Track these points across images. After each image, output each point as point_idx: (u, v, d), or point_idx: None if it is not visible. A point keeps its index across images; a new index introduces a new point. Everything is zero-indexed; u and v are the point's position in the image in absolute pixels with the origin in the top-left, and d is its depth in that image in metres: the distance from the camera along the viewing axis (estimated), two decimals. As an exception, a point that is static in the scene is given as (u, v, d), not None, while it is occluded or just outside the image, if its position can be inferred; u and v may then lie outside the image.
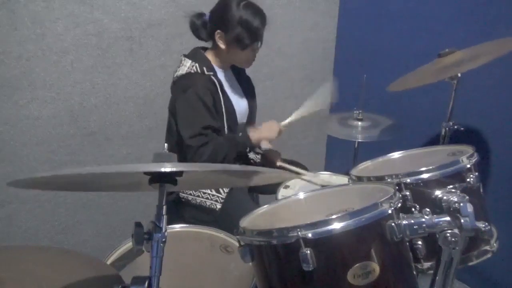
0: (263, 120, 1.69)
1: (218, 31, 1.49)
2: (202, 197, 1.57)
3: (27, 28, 1.62)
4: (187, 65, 1.50)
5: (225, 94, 1.55)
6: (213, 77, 1.50)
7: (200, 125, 1.46)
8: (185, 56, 1.55)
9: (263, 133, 1.63)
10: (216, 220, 1.53)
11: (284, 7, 2.27)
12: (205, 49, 1.61)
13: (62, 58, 1.73)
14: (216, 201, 1.56)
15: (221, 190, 1.58)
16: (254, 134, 1.60)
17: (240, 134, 1.58)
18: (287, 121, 1.70)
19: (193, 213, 1.60)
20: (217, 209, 1.55)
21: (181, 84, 1.50)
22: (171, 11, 1.91)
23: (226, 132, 1.56)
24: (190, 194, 1.58)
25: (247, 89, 1.72)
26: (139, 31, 1.86)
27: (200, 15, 1.56)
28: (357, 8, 2.40)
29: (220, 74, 1.58)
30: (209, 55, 1.57)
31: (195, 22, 1.55)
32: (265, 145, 1.65)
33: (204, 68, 1.49)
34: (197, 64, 1.49)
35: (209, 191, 1.57)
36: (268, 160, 1.81)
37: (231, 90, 1.63)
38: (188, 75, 1.48)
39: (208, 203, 1.56)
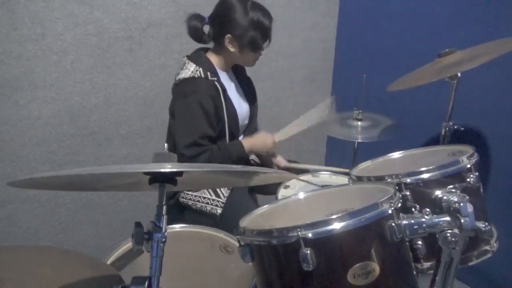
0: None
1: (229, 35, 1.46)
2: (202, 202, 1.56)
3: (27, 28, 1.62)
4: (191, 69, 1.47)
5: (228, 99, 1.53)
6: (216, 83, 1.48)
7: (197, 134, 1.45)
8: (188, 58, 1.52)
9: (256, 146, 1.62)
10: (217, 224, 1.53)
11: (284, 7, 2.27)
12: (205, 49, 1.59)
13: (62, 58, 1.72)
14: (217, 205, 1.54)
15: (221, 195, 1.56)
16: (247, 144, 1.58)
17: (234, 144, 1.56)
18: (282, 136, 1.66)
19: (194, 217, 1.59)
20: (217, 214, 1.54)
21: (183, 88, 1.48)
22: (171, 11, 1.91)
23: (227, 136, 1.55)
24: (190, 199, 1.57)
25: (248, 90, 1.70)
26: (139, 31, 1.86)
27: (200, 17, 1.50)
28: (357, 8, 2.40)
29: (223, 78, 1.56)
30: (212, 57, 1.55)
31: (196, 25, 1.49)
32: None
33: (208, 73, 1.46)
34: (201, 69, 1.46)
35: (209, 196, 1.56)
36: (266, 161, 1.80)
37: (233, 93, 1.62)
38: (191, 79, 1.46)
39: (208, 208, 1.55)
